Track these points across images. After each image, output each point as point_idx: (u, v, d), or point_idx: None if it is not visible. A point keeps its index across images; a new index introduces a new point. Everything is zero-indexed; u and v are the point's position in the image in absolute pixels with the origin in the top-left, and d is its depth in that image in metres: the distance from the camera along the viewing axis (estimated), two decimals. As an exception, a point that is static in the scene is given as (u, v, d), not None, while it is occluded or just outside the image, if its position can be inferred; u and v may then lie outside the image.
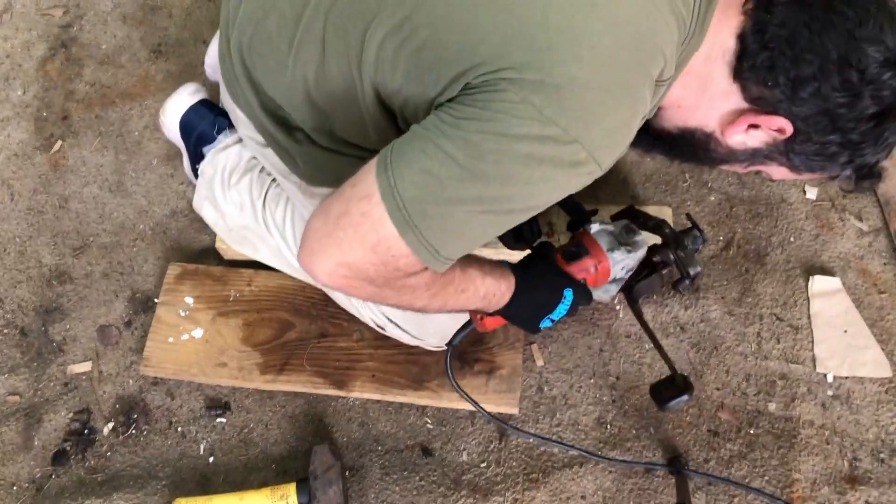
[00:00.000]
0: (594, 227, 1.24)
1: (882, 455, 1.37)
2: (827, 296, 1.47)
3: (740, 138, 0.96)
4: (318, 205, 0.91)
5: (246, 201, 1.45)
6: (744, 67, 0.90)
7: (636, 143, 1.00)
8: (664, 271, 1.24)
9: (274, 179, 1.43)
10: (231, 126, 1.50)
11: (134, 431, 1.43)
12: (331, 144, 1.12)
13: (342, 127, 1.08)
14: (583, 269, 1.21)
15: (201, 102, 1.53)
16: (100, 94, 1.79)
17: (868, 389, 1.43)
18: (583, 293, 1.18)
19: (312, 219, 0.91)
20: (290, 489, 1.30)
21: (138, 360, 1.48)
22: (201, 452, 1.42)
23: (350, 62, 0.96)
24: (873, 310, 1.49)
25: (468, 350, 1.43)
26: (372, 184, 0.85)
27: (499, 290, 1.08)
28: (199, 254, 1.60)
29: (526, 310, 1.14)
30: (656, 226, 1.20)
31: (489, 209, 0.86)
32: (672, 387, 1.21)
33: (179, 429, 1.44)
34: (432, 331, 1.35)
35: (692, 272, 1.19)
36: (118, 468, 1.40)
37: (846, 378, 1.43)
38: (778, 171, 1.01)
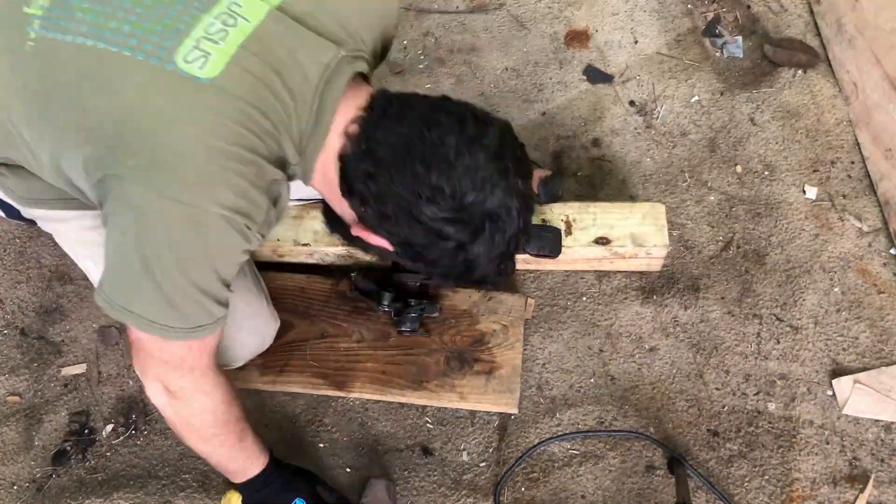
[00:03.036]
0: None
1: (882, 454, 1.37)
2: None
3: (365, 237, 1.04)
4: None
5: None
6: (344, 189, 1.00)
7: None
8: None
9: None
10: None
11: (134, 431, 1.44)
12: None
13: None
14: None
15: None
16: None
17: (868, 389, 1.43)
18: None
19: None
20: None
21: (138, 361, 1.48)
22: (201, 453, 1.42)
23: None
24: (873, 310, 1.50)
25: (467, 350, 1.43)
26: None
27: (241, 469, 1.22)
28: (199, 254, 1.60)
29: (257, 496, 1.25)
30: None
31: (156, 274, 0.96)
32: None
33: (179, 429, 1.44)
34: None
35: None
36: (118, 468, 1.40)
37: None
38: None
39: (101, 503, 1.36)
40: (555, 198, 1.46)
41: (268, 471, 1.23)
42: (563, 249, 1.45)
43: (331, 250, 1.48)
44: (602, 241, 1.45)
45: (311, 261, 1.53)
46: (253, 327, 1.35)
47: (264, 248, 1.49)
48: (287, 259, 1.53)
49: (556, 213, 1.47)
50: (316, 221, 1.49)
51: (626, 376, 1.46)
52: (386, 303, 1.41)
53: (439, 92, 1.78)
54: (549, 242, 1.41)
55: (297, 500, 1.26)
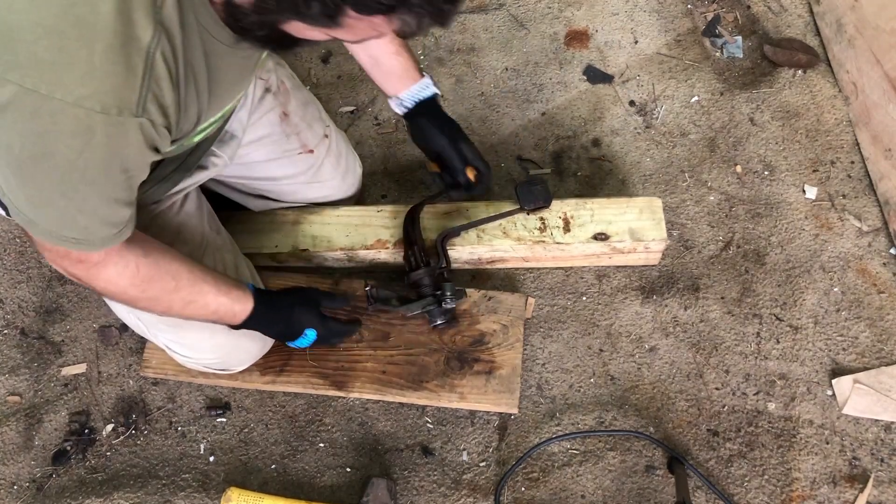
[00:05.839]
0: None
1: (881, 454, 1.37)
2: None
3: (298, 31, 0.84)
4: None
5: None
6: None
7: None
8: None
9: None
10: None
11: (134, 431, 1.44)
12: None
13: None
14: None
15: None
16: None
17: (867, 389, 1.43)
18: (332, 333, 1.34)
19: None
20: None
21: (138, 361, 1.48)
22: (201, 452, 1.42)
23: None
24: (873, 310, 1.50)
25: (467, 350, 1.43)
26: None
27: (231, 312, 1.20)
28: (200, 254, 1.60)
29: (267, 331, 1.31)
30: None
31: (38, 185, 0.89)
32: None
33: (179, 429, 1.44)
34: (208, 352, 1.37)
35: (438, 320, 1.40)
36: (118, 468, 1.40)
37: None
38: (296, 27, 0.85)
39: (101, 503, 1.36)
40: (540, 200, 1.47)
41: (256, 313, 1.22)
42: (562, 247, 1.46)
43: (329, 255, 1.48)
44: (601, 236, 1.45)
45: (310, 266, 1.53)
46: (255, 333, 1.35)
47: (261, 255, 1.49)
48: (286, 265, 1.53)
49: (553, 211, 1.48)
50: (314, 227, 1.49)
51: (626, 376, 1.46)
52: (419, 309, 1.39)
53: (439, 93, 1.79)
54: (541, 194, 1.46)
55: (307, 332, 1.28)
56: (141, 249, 1.06)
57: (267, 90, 1.38)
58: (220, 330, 1.30)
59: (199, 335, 1.30)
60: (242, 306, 1.21)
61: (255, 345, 1.37)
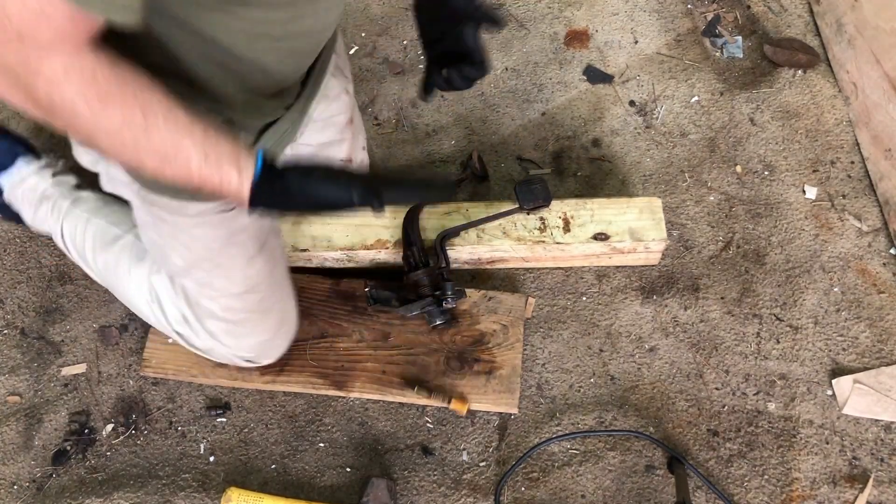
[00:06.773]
0: None
1: (881, 454, 1.37)
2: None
3: None
4: None
5: (54, 232, 1.48)
6: None
7: None
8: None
9: (74, 202, 1.46)
10: (30, 153, 1.52)
11: (134, 431, 1.44)
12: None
13: None
14: None
15: None
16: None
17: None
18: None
19: None
20: None
21: (138, 361, 1.48)
22: (201, 452, 1.42)
23: None
24: (873, 310, 1.50)
25: (467, 350, 1.43)
26: None
27: (226, 179, 0.89)
28: (200, 254, 1.60)
29: (300, 198, 0.95)
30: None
31: None
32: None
33: (179, 428, 1.44)
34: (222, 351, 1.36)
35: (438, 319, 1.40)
36: (118, 468, 1.41)
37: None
38: None
39: (101, 503, 1.36)
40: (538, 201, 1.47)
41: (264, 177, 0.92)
42: (562, 247, 1.46)
43: (329, 255, 1.48)
44: (601, 236, 1.45)
45: (310, 265, 1.53)
46: (290, 335, 1.40)
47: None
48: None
49: (553, 211, 1.48)
50: (314, 227, 1.49)
51: (626, 376, 1.46)
52: (418, 310, 1.40)
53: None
54: (541, 194, 1.46)
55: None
56: (108, 60, 0.80)
57: (346, 91, 1.37)
58: (271, 327, 1.34)
59: (253, 332, 1.33)
60: (242, 171, 0.90)
61: (285, 342, 1.40)
